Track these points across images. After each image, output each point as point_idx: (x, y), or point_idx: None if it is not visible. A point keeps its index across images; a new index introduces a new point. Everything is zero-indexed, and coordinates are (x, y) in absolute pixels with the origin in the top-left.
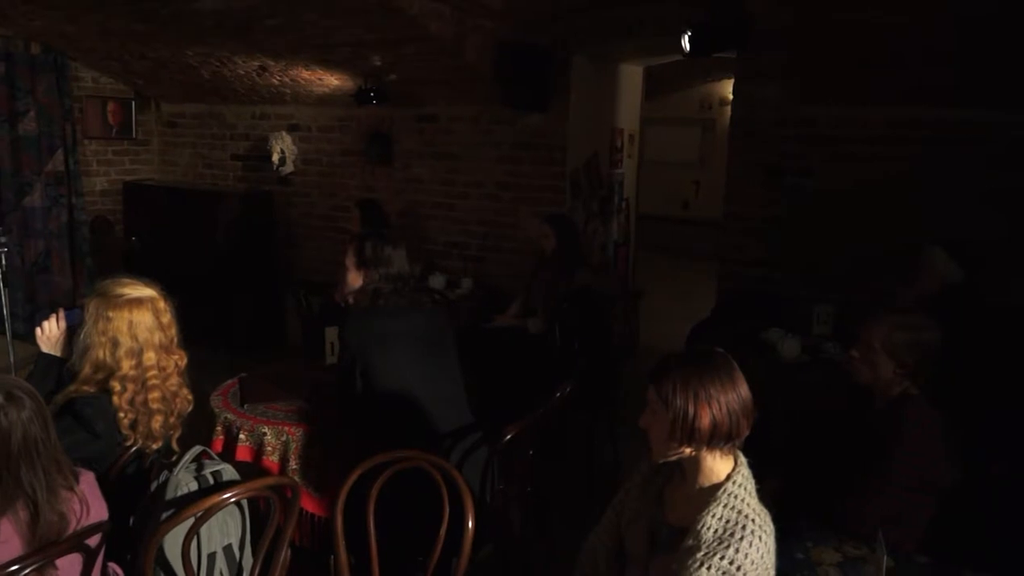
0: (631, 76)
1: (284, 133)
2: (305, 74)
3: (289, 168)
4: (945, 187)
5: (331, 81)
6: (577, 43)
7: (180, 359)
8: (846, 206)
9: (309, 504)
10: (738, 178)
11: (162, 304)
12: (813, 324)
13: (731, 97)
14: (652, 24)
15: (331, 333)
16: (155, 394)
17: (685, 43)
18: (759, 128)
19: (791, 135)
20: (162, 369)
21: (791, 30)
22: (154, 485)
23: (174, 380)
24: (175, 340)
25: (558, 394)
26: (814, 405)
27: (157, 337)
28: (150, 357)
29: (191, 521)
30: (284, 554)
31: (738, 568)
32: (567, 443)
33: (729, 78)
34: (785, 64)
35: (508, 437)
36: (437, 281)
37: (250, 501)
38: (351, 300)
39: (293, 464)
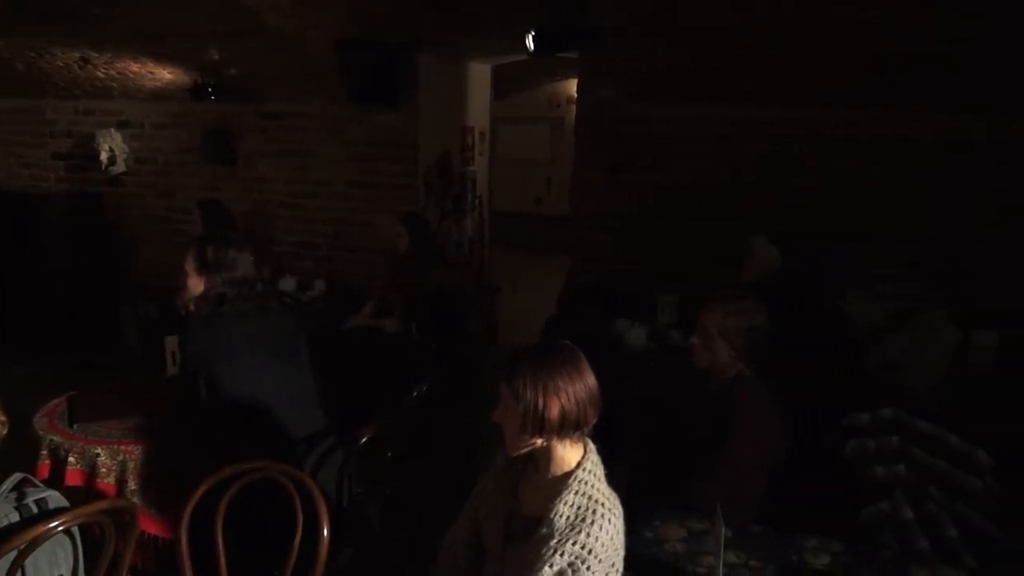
0: (479, 74)
1: (113, 130)
2: (134, 67)
3: (120, 168)
4: (776, 181)
5: (164, 75)
6: (424, 40)
7: None
8: (687, 200)
9: (152, 526)
10: (584, 175)
11: None
12: (658, 314)
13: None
14: (497, 23)
15: (171, 342)
16: None
17: (529, 43)
18: (602, 126)
19: (632, 133)
20: None
21: (630, 31)
22: None
23: None
24: None
25: (415, 393)
26: (660, 390)
27: None
28: None
29: (14, 555)
30: None
31: (589, 551)
32: (427, 441)
33: (575, 77)
34: (625, 65)
35: (364, 439)
36: (287, 283)
37: (83, 528)
38: (192, 307)
39: (132, 485)
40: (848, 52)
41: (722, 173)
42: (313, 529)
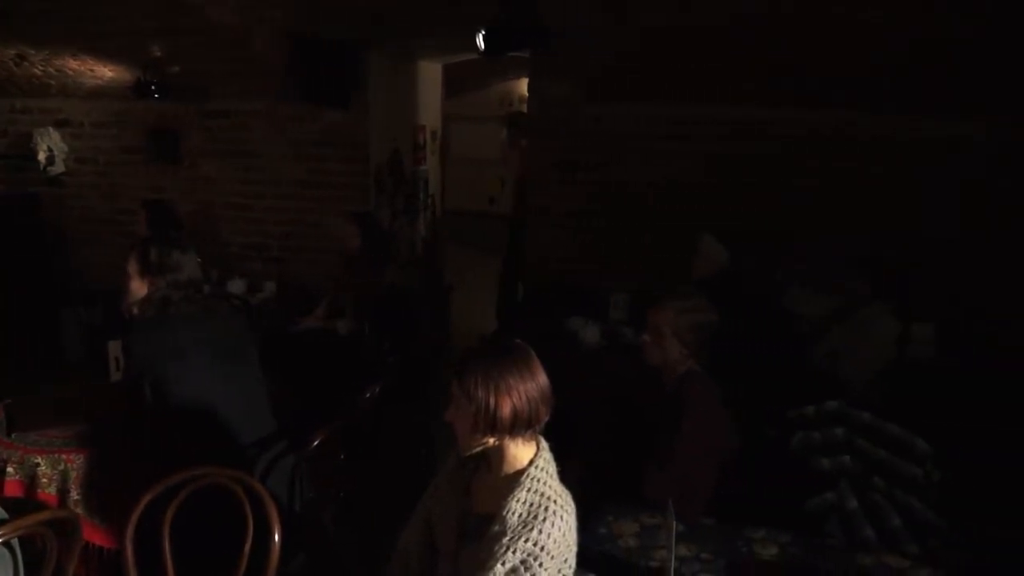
0: (430, 73)
1: (51, 129)
2: (73, 64)
3: (60, 168)
4: (725, 180)
5: (104, 72)
6: (373, 38)
7: None
8: (638, 198)
9: (96, 536)
10: (536, 173)
11: None
12: (611, 311)
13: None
14: (447, 22)
15: (115, 347)
16: None
17: (480, 42)
18: (553, 125)
19: (583, 132)
20: None
21: (580, 31)
22: None
23: None
24: None
25: (367, 395)
26: (614, 388)
27: None
28: None
29: None
30: None
31: (542, 548)
32: (381, 442)
33: (527, 76)
34: (575, 64)
35: (316, 443)
36: (237, 285)
37: (23, 540)
38: (135, 310)
39: (75, 495)
40: (799, 51)
41: (673, 172)
42: (264, 535)
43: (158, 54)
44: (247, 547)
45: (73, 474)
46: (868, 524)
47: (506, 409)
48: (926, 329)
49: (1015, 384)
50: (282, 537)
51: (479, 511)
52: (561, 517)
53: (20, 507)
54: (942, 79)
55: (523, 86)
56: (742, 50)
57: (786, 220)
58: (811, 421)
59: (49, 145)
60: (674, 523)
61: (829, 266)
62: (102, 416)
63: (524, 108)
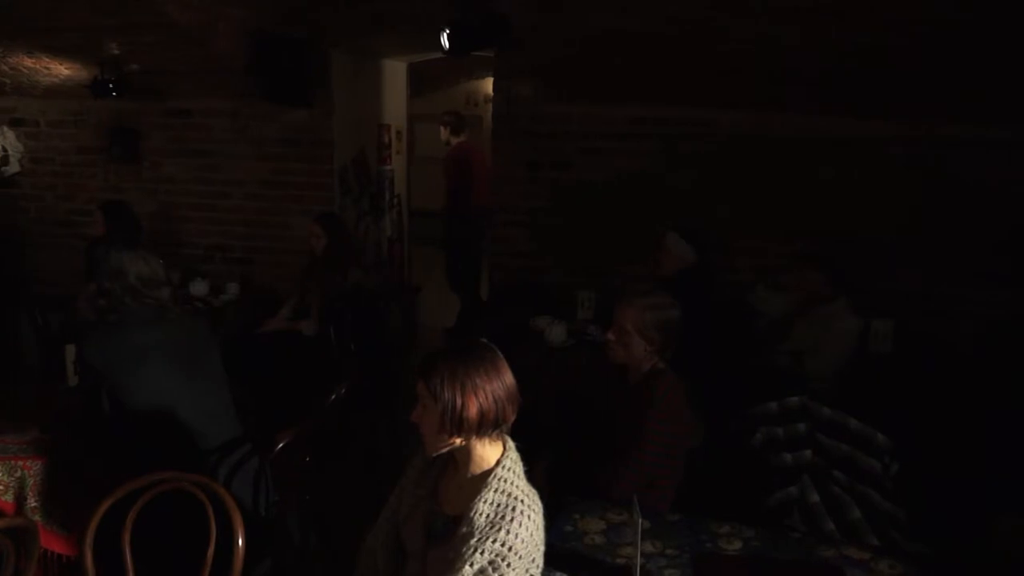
0: (395, 72)
1: (5, 128)
2: (28, 62)
3: (14, 168)
4: (688, 179)
5: (60, 70)
6: (337, 36)
7: None
8: (603, 197)
9: (55, 544)
10: (502, 172)
11: None
12: (577, 310)
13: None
14: (411, 21)
15: (72, 351)
16: None
17: (444, 41)
18: (518, 124)
19: (549, 131)
20: None
21: (542, 31)
22: None
23: None
24: None
25: (333, 396)
26: (580, 386)
27: None
28: None
29: None
30: None
31: (510, 548)
32: (347, 445)
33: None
34: (540, 63)
35: (280, 446)
36: (199, 287)
37: None
38: (91, 314)
39: (32, 502)
40: (751, 55)
41: (637, 170)
42: (228, 540)
43: (116, 52)
44: (210, 553)
45: (31, 481)
46: (829, 517)
47: (472, 409)
48: (886, 325)
49: (969, 378)
50: (246, 542)
51: (446, 512)
52: (529, 517)
53: None
54: (884, 82)
55: (489, 85)
56: (698, 52)
57: (747, 218)
58: (774, 417)
59: (3, 144)
60: (639, 520)
61: (789, 263)
62: (60, 421)
63: (490, 107)
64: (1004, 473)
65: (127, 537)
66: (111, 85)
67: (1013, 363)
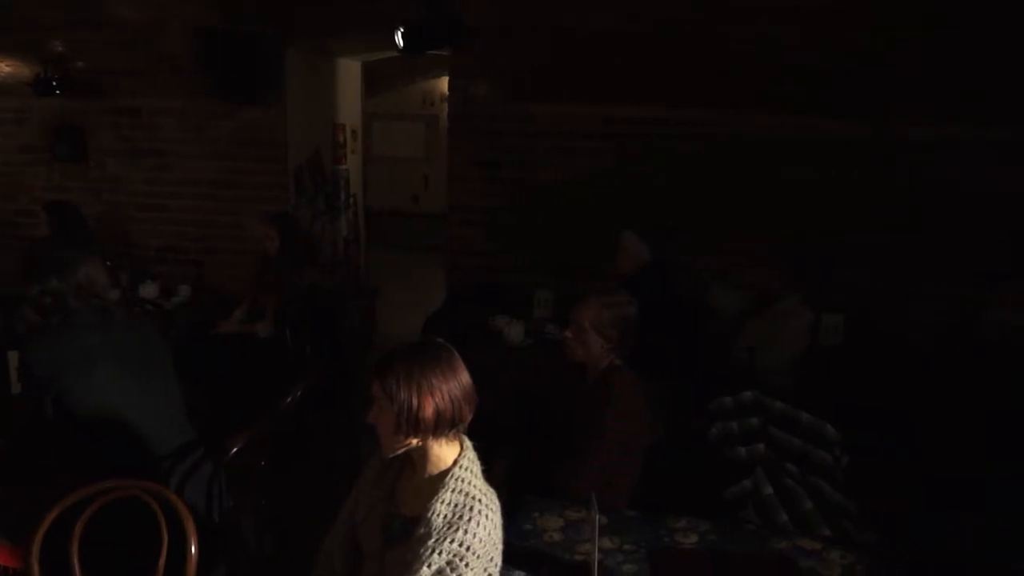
0: (349, 71)
1: None
2: None
3: None
4: (644, 178)
5: (1, 68)
6: (290, 34)
7: None
8: (559, 197)
9: (1, 556)
10: (459, 172)
11: None
12: (535, 309)
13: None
14: (365, 19)
15: (15, 357)
16: None
17: (399, 39)
18: (475, 123)
19: (505, 130)
20: None
21: (500, 31)
22: None
23: None
24: None
25: (288, 399)
26: (540, 385)
27: None
28: None
29: None
30: None
31: (468, 548)
32: (304, 447)
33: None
34: (495, 63)
35: (235, 449)
36: (149, 290)
37: None
38: (32, 318)
39: None
40: (712, 56)
41: (593, 170)
42: (181, 548)
43: (60, 49)
44: (162, 561)
45: None
46: (783, 509)
47: (429, 409)
48: (836, 320)
49: (917, 371)
50: (199, 549)
51: (404, 513)
52: (486, 516)
53: None
54: (847, 85)
55: (446, 84)
56: (658, 53)
57: (703, 218)
58: (728, 412)
59: None
60: (597, 516)
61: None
62: (4, 430)
63: (446, 106)
64: (953, 465)
65: (75, 547)
66: (55, 83)
67: (962, 357)
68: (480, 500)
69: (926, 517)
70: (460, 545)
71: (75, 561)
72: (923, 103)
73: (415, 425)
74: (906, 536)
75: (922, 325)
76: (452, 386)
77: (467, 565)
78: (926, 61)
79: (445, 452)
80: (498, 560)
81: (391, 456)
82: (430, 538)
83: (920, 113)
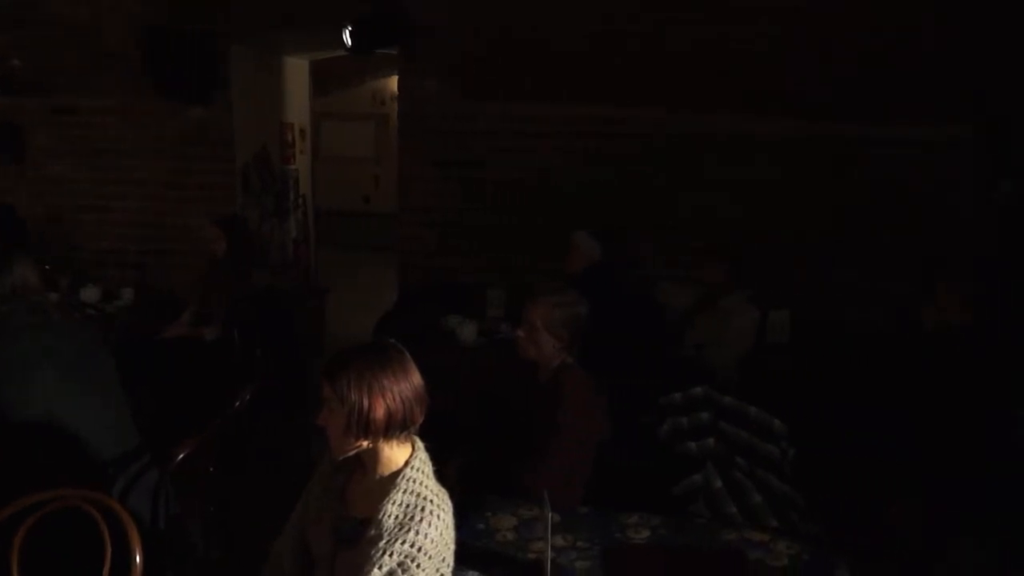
0: (297, 69)
1: None
2: None
3: None
4: (595, 177)
5: None
6: (235, 32)
7: None
8: (510, 196)
9: None
10: (410, 171)
11: None
12: (487, 308)
13: None
14: (310, 15)
15: None
16: None
17: (347, 38)
18: (426, 123)
19: (455, 130)
20: None
21: (449, 30)
22: None
23: None
24: None
25: (236, 403)
26: (494, 385)
27: None
28: None
29: None
30: None
31: (419, 549)
32: (254, 451)
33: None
34: (445, 62)
35: (181, 456)
36: (90, 293)
37: None
38: None
39: None
40: (662, 56)
41: (545, 169)
42: (125, 558)
43: None
44: (106, 571)
45: None
46: (732, 502)
47: (380, 411)
48: (782, 316)
49: (860, 366)
50: (144, 558)
51: (354, 515)
52: (438, 516)
53: None
54: (797, 82)
55: (395, 83)
56: (605, 53)
57: (652, 216)
58: (679, 407)
59: None
60: (550, 514)
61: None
62: None
63: (396, 105)
64: (895, 455)
65: (15, 561)
66: None
67: (902, 352)
68: (432, 501)
69: (868, 506)
70: (411, 546)
71: (15, 573)
72: (861, 103)
73: (366, 427)
74: (849, 525)
75: (866, 322)
76: (403, 387)
77: (419, 566)
78: (862, 63)
79: (396, 453)
80: (450, 560)
81: (341, 458)
82: (381, 539)
83: (858, 113)
